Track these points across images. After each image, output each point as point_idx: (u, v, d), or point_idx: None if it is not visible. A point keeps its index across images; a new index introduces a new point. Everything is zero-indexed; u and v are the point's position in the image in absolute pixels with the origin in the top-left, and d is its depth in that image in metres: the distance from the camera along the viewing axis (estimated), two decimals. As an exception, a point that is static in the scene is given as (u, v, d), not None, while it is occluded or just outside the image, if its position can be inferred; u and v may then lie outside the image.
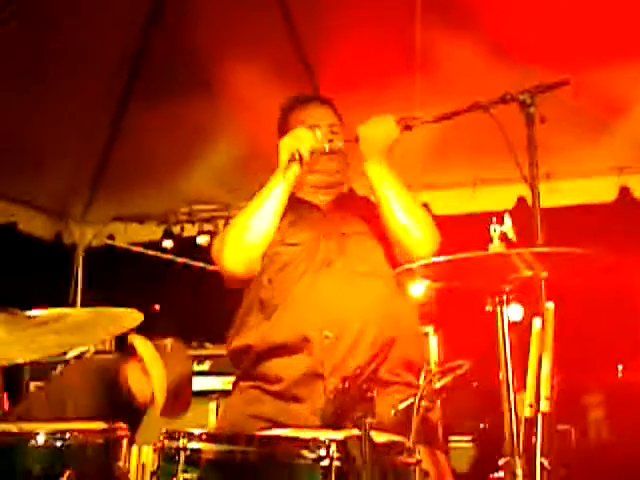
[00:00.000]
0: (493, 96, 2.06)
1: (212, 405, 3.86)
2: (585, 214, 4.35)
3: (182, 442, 1.53)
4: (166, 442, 1.56)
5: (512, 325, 1.65)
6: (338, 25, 3.55)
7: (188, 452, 1.52)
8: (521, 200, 4.14)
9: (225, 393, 3.65)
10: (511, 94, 1.94)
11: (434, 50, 3.51)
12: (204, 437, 1.53)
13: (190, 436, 1.52)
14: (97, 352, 3.93)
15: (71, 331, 1.62)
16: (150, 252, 4.99)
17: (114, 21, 3.65)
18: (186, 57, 3.83)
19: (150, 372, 2.72)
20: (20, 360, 1.66)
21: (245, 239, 2.28)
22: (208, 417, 3.82)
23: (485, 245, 1.70)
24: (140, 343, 2.77)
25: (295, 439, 1.49)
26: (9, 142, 3.91)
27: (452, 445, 4.16)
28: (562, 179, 4.10)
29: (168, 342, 2.88)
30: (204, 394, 4.10)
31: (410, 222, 2.28)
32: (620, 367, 4.80)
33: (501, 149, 2.10)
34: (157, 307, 4.92)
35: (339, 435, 1.43)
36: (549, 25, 3.36)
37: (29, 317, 1.53)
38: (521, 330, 1.73)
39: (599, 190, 4.19)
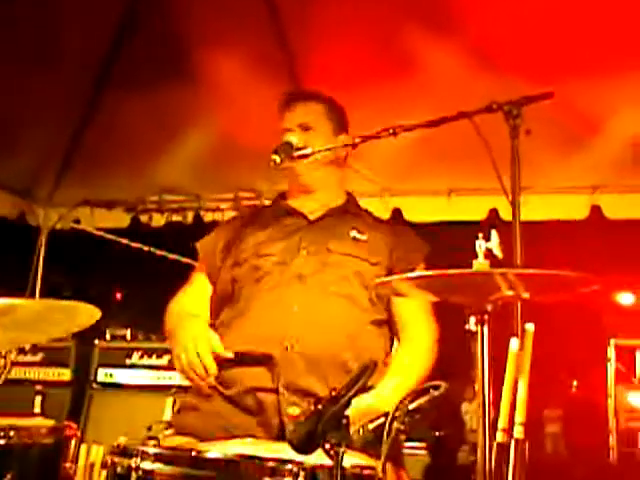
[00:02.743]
0: (474, 103, 2.03)
1: (169, 400, 3.81)
2: (555, 230, 4.36)
3: (135, 461, 1.40)
4: (117, 459, 1.43)
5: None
6: (324, 23, 3.50)
7: (140, 472, 1.40)
8: (492, 212, 4.14)
9: (183, 388, 3.59)
10: (498, 104, 1.91)
11: (419, 55, 3.48)
12: (159, 457, 1.39)
13: (144, 455, 1.39)
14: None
15: (21, 326, 1.49)
16: (115, 238, 4.90)
17: (94, 3, 3.57)
18: (166, 44, 3.76)
19: None
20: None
21: None
22: (164, 411, 3.76)
23: (460, 257, 1.65)
24: None
25: (260, 465, 1.38)
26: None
27: (406, 452, 4.15)
28: (534, 193, 4.09)
29: None
30: (161, 388, 4.04)
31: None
32: (575, 382, 4.83)
33: (477, 159, 2.07)
34: (119, 296, 4.83)
35: (307, 462, 1.35)
36: (533, 36, 3.35)
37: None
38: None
39: (571, 207, 4.19)
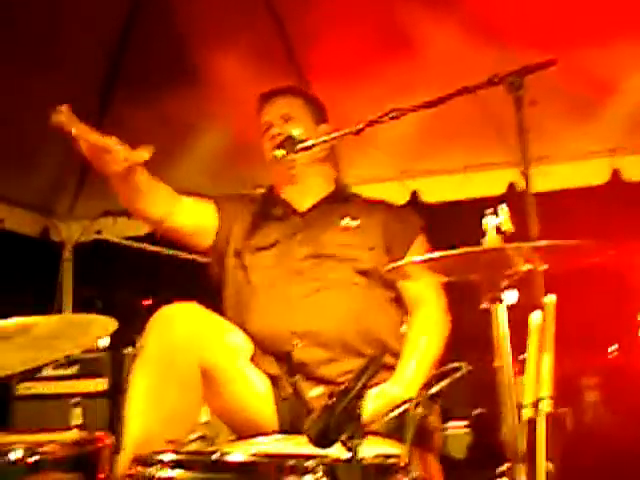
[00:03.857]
0: (479, 78, 2.01)
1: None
2: (577, 197, 4.30)
3: (154, 469, 1.41)
4: (139, 469, 1.42)
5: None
6: (321, 12, 3.49)
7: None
8: (512, 186, 4.09)
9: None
10: (499, 76, 1.89)
11: (420, 34, 3.45)
12: (177, 464, 1.39)
13: (162, 463, 1.39)
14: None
15: (36, 345, 1.49)
16: (140, 245, 4.92)
17: (95, 14, 3.58)
18: (170, 47, 3.77)
19: None
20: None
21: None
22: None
23: (479, 235, 1.63)
24: None
25: (278, 464, 1.37)
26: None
27: (449, 431, 4.13)
28: (552, 163, 4.04)
29: None
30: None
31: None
32: (614, 348, 4.78)
33: (491, 134, 2.06)
34: (147, 302, 4.87)
35: (329, 456, 1.35)
36: (536, 6, 3.31)
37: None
38: (516, 312, 1.65)
39: (591, 173, 4.13)
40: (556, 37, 3.27)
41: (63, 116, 2.05)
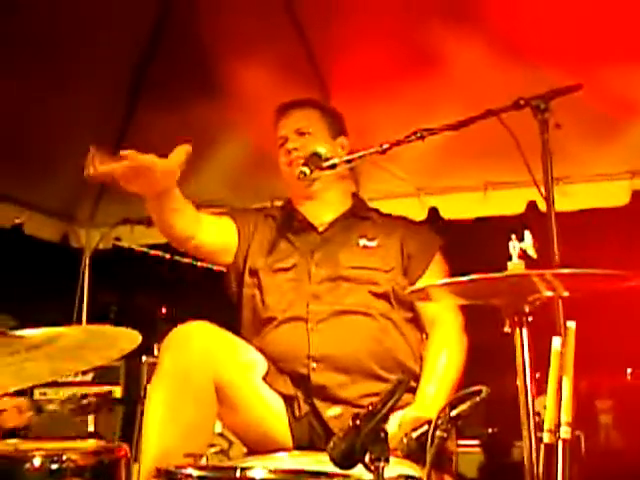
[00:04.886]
0: (503, 97, 2.02)
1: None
2: (596, 218, 4.29)
3: None
4: None
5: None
6: (347, 28, 3.50)
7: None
8: (531, 204, 4.08)
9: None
10: (525, 100, 1.90)
11: (445, 53, 3.46)
12: (201, 479, 1.40)
13: (187, 478, 1.40)
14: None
15: (62, 356, 1.51)
16: (158, 253, 4.94)
17: (122, 22, 3.62)
18: (194, 59, 3.80)
19: None
20: (10, 389, 1.56)
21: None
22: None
23: (498, 255, 1.63)
24: None
25: None
26: (15, 143, 3.88)
27: (460, 450, 4.11)
28: (573, 183, 4.04)
29: None
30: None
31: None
32: (629, 370, 4.75)
33: (511, 152, 2.06)
34: (164, 310, 4.88)
35: (349, 478, 1.35)
36: (561, 26, 3.31)
37: (20, 338, 1.43)
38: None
39: (611, 194, 4.12)
40: (581, 58, 3.27)
41: (95, 165, 2.05)
